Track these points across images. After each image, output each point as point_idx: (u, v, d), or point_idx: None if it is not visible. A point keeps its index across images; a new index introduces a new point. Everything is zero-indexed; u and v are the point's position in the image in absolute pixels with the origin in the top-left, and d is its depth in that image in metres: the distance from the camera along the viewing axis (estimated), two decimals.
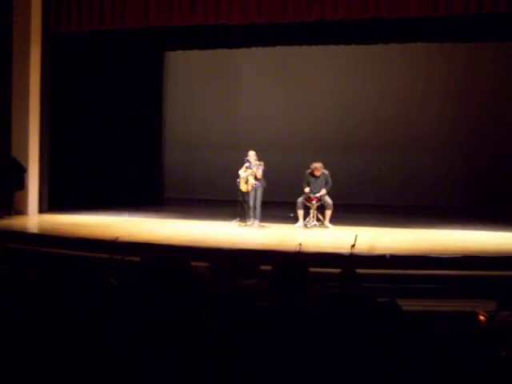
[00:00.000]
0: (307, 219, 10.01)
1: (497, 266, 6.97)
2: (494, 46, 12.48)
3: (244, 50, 13.25)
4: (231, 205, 10.84)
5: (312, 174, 10.16)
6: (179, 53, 14.18)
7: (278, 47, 12.73)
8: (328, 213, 10.02)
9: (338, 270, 4.75)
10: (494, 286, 6.26)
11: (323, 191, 10.04)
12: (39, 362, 2.17)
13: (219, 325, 2.52)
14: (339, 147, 14.09)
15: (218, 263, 3.93)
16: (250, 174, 9.99)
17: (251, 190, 9.98)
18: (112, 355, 2.19)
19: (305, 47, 12.68)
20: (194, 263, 2.78)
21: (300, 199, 10.09)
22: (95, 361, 2.18)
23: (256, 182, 9.96)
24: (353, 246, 6.81)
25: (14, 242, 8.21)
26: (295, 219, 10.14)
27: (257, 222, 9.94)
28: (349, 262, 6.47)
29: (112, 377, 2.16)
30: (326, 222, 10.00)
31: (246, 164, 10.07)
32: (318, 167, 10.12)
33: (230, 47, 12.91)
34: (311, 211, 10.04)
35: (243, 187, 10.07)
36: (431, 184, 13.75)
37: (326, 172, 10.21)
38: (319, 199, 10.01)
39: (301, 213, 10.06)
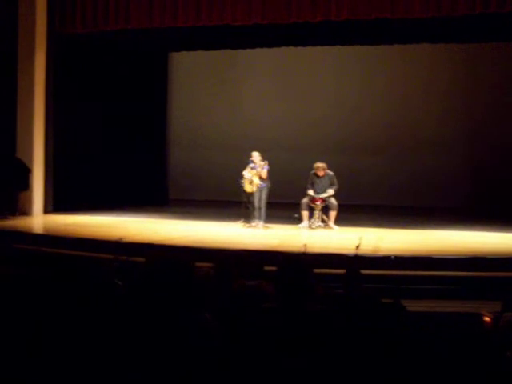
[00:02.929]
0: (312, 220, 9.99)
1: (502, 267, 6.95)
2: (498, 47, 12.47)
3: (248, 51, 13.25)
4: (236, 206, 10.84)
5: (316, 175, 10.13)
6: (183, 53, 14.20)
7: (283, 48, 12.73)
8: (333, 214, 9.99)
9: (342, 271, 4.74)
10: (498, 286, 6.26)
11: (329, 192, 9.98)
12: (41, 362, 2.17)
13: (222, 325, 2.52)
14: (343, 148, 14.07)
15: (221, 264, 3.92)
16: (254, 175, 9.96)
17: (256, 191, 9.96)
18: (115, 355, 2.19)
19: (309, 48, 12.68)
20: (198, 264, 2.78)
21: (304, 200, 10.05)
22: (98, 360, 2.18)
23: (261, 183, 9.94)
24: (357, 246, 6.79)
25: (18, 243, 8.23)
26: (299, 220, 10.12)
27: (261, 223, 9.92)
28: (353, 262, 6.46)
29: (114, 377, 2.16)
30: (331, 223, 9.97)
31: (251, 165, 10.05)
32: (320, 167, 10.06)
33: (234, 48, 12.93)
34: (316, 212, 10.01)
35: (248, 188, 10.04)
36: (435, 185, 13.73)
37: (331, 173, 10.16)
38: (324, 200, 9.98)
39: (305, 214, 10.03)
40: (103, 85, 12.91)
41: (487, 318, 3.57)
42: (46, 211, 11.57)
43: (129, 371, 2.16)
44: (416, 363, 2.33)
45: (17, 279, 2.91)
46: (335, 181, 10.10)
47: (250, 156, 10.10)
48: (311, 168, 10.19)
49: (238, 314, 2.88)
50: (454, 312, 5.72)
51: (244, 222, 10.14)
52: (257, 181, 9.93)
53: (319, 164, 10.09)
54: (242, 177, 10.10)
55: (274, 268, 3.05)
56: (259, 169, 9.90)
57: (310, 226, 9.93)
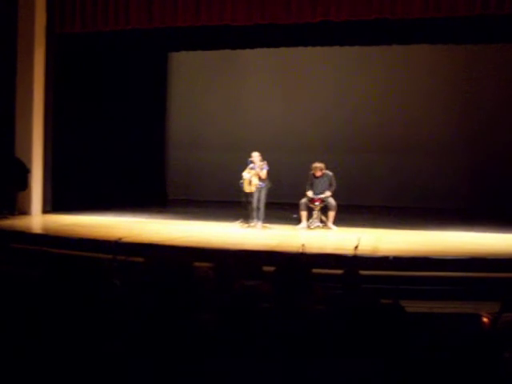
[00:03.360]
0: (310, 220, 9.99)
1: (500, 268, 6.96)
2: (498, 48, 12.48)
3: (248, 51, 13.26)
4: (234, 206, 10.83)
5: (314, 175, 10.12)
6: (183, 53, 14.20)
7: (282, 48, 12.73)
8: (331, 214, 9.98)
9: (341, 272, 4.75)
10: (497, 287, 6.26)
11: (327, 193, 9.98)
12: (40, 363, 2.17)
13: (221, 325, 2.52)
14: (342, 148, 14.08)
15: (220, 264, 3.92)
16: (253, 175, 9.96)
17: (255, 191, 9.96)
18: (113, 356, 2.19)
19: (309, 48, 12.69)
20: (197, 264, 2.78)
21: (303, 200, 10.05)
22: (97, 361, 2.18)
23: (260, 183, 9.93)
24: (356, 247, 6.80)
25: (17, 242, 8.22)
26: (298, 220, 10.12)
27: (260, 223, 9.92)
28: (352, 263, 6.46)
29: (113, 377, 2.16)
30: (330, 224, 9.97)
31: (250, 165, 10.05)
32: (317, 167, 10.05)
33: (233, 48, 12.93)
34: (314, 212, 10.01)
35: (247, 188, 10.04)
36: (435, 185, 13.74)
37: (330, 173, 10.15)
38: (322, 200, 9.97)
39: (304, 214, 10.03)
40: (102, 84, 12.90)
41: (486, 319, 3.57)
42: (45, 211, 11.57)
43: (128, 371, 2.16)
44: (415, 364, 2.33)
45: (15, 279, 2.91)
46: (334, 181, 10.09)
47: (250, 156, 10.10)
48: (310, 168, 10.19)
49: (238, 314, 2.88)
50: (452, 312, 5.73)
51: (242, 221, 10.13)
52: (256, 181, 9.93)
53: (317, 164, 10.08)
54: (241, 178, 10.10)
55: (272, 268, 3.05)
56: (258, 169, 9.90)
57: (308, 227, 9.93)
